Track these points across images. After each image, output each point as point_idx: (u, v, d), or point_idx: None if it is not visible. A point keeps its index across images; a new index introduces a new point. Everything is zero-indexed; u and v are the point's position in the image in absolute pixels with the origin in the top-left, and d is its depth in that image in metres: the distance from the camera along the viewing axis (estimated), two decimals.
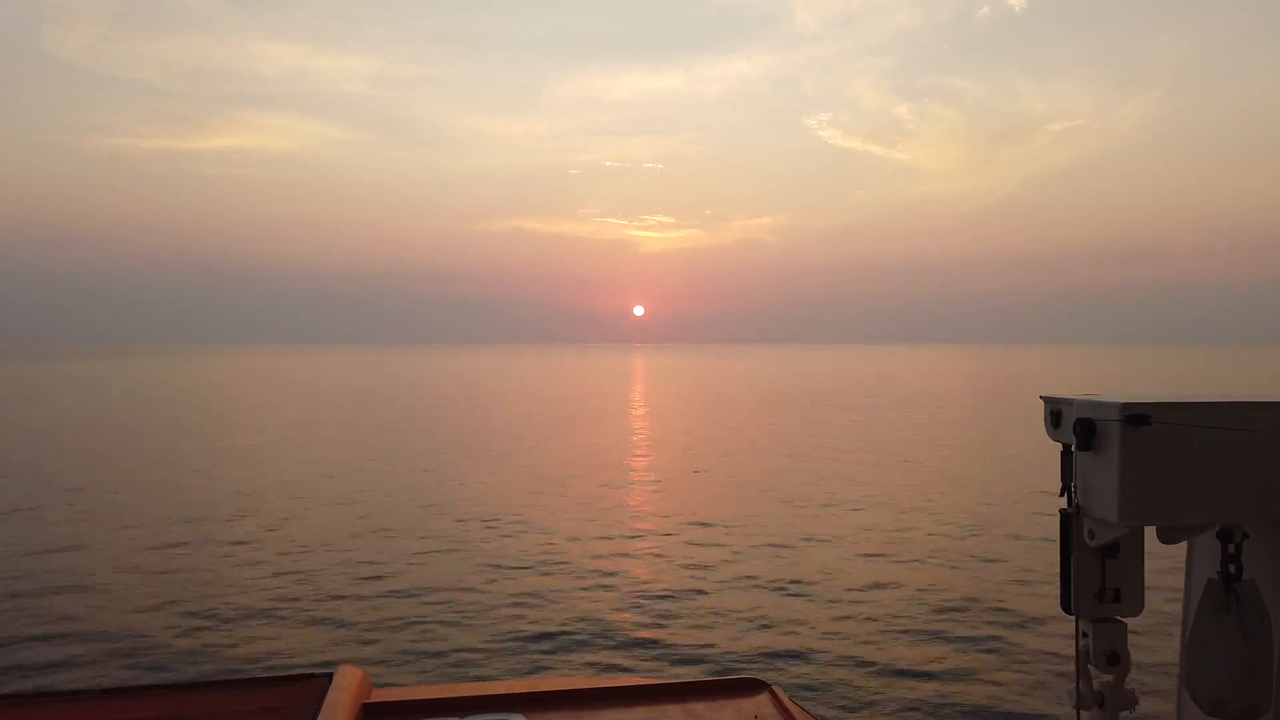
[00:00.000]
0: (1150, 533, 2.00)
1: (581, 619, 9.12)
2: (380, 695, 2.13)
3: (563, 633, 8.68)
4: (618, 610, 9.43)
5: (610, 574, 10.93)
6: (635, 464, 21.60)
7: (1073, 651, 2.13)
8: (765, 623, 8.96)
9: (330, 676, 2.11)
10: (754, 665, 7.79)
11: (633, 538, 13.07)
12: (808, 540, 12.74)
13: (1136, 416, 1.84)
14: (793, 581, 10.51)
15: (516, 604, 9.63)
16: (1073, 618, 2.11)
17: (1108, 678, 2.09)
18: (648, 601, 9.73)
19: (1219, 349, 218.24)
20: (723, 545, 12.46)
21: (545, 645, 8.31)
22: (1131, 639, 2.11)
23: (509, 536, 13.06)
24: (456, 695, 2.10)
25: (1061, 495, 2.06)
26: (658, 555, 11.96)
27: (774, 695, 2.14)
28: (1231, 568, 1.96)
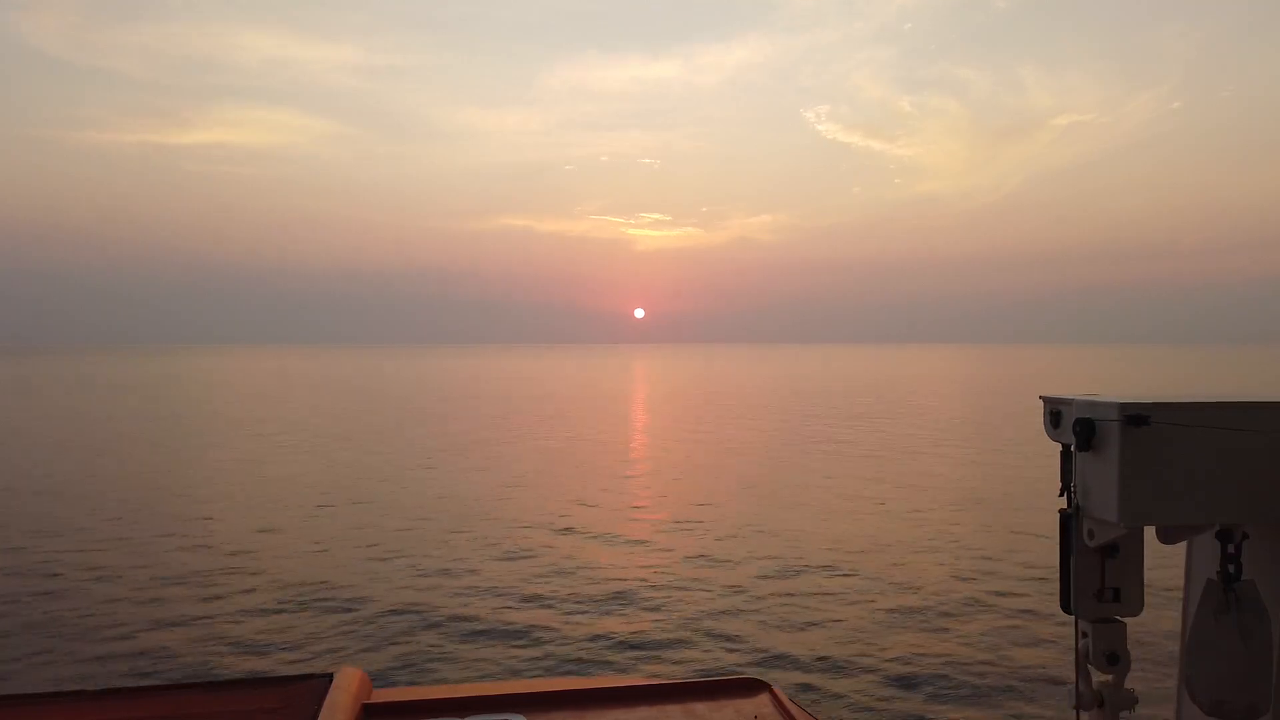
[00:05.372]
0: (1150, 533, 2.00)
1: (581, 619, 9.12)
2: (380, 695, 2.13)
3: (562, 632, 8.68)
4: (618, 610, 9.43)
5: (610, 574, 10.93)
6: (635, 466, 21.60)
7: (1072, 651, 2.13)
8: (765, 623, 8.97)
9: (330, 677, 2.11)
10: (754, 665, 7.79)
11: (632, 539, 13.07)
12: (808, 541, 12.75)
13: (1136, 416, 1.84)
14: (792, 582, 10.51)
15: (516, 604, 9.64)
16: (1072, 618, 2.11)
17: (1107, 678, 2.09)
18: (648, 601, 9.73)
19: (1224, 349, 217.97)
20: (722, 546, 12.47)
21: (545, 645, 8.32)
22: (1131, 639, 2.11)
23: (509, 537, 13.06)
24: (456, 695, 2.10)
25: (1061, 495, 2.06)
26: (658, 556, 11.95)
27: (774, 695, 2.14)
28: (1231, 568, 1.96)
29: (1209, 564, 2.03)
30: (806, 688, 7.28)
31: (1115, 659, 2.07)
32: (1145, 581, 2.12)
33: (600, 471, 20.13)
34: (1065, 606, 2.11)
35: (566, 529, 13.62)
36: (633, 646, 8.30)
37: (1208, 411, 1.88)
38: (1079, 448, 1.96)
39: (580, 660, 7.96)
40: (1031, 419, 30.38)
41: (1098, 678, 2.11)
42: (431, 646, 8.31)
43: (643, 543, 12.74)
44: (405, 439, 26.85)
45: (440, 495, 16.73)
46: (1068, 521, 2.06)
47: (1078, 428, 1.94)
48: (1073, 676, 2.11)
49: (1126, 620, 2.11)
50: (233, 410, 38.93)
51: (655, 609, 9.48)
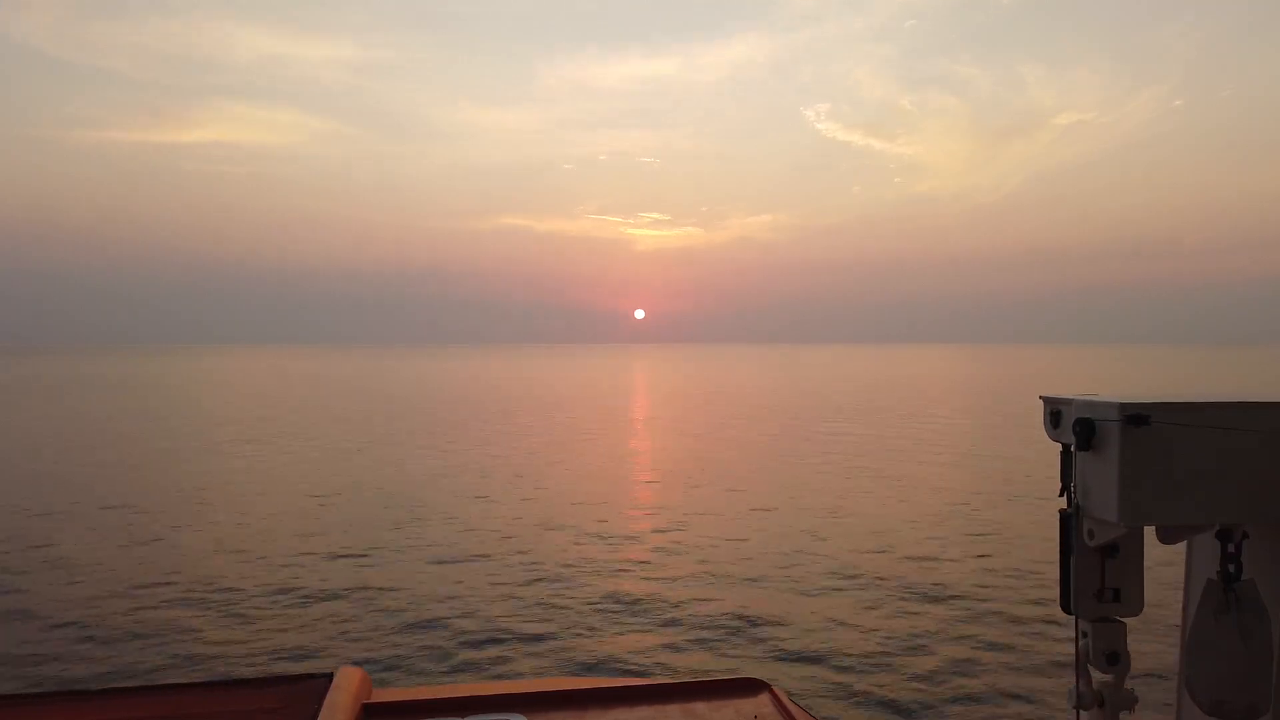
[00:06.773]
0: (1150, 532, 2.00)
1: (581, 619, 9.12)
2: (380, 695, 2.13)
3: (562, 632, 8.68)
4: (618, 610, 9.43)
5: (610, 574, 10.93)
6: (634, 467, 21.60)
7: (1072, 651, 2.13)
8: (765, 623, 8.96)
9: (330, 676, 2.11)
10: (754, 665, 7.79)
11: (633, 540, 13.07)
12: (807, 541, 12.74)
13: (1136, 416, 1.84)
14: (792, 582, 10.51)
15: (516, 604, 9.64)
16: (1072, 618, 2.11)
17: (1107, 677, 2.09)
18: (648, 602, 9.73)
19: (1224, 349, 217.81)
20: (722, 547, 12.47)
21: (545, 645, 8.32)
22: (1131, 639, 2.11)
23: (509, 536, 13.06)
24: (456, 695, 2.10)
25: (1061, 495, 2.06)
26: (658, 556, 11.95)
27: (774, 695, 2.14)
28: (1231, 568, 1.96)
29: (1209, 564, 2.03)
30: (807, 688, 7.28)
31: (1115, 659, 2.07)
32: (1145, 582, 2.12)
33: (606, 474, 20.13)
34: (1065, 606, 2.11)
35: (570, 530, 13.62)
36: (634, 645, 8.30)
37: (1208, 411, 1.88)
38: (1079, 447, 1.96)
39: (580, 660, 7.96)
40: (1031, 419, 30.39)
41: (1098, 678, 2.11)
42: (432, 646, 8.31)
43: (645, 542, 12.74)
44: (404, 438, 26.84)
45: (440, 494, 16.74)
46: (1068, 521, 2.06)
47: (1078, 428, 1.94)
48: (1073, 676, 2.11)
49: (1126, 620, 2.11)
50: (232, 410, 38.93)
51: (657, 609, 9.48)
